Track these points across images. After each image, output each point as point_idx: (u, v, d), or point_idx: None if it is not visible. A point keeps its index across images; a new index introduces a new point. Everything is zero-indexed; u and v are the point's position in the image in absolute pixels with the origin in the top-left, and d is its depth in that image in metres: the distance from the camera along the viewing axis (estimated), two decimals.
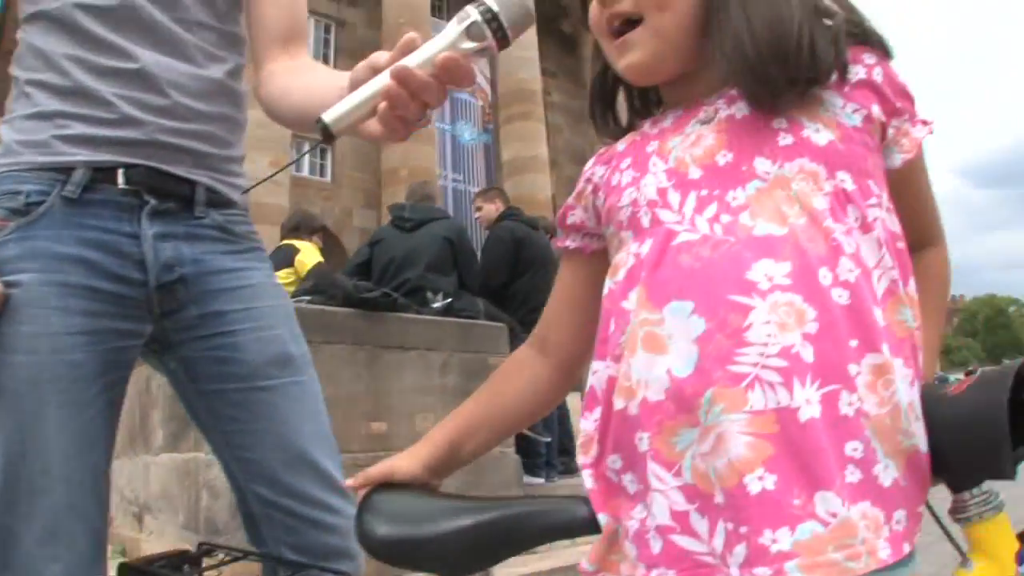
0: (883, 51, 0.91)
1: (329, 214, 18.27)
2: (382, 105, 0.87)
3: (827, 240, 0.81)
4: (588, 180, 1.03)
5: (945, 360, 65.11)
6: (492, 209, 5.61)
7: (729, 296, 0.79)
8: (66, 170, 1.22)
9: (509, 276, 5.16)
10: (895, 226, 0.87)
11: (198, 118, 1.32)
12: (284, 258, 5.50)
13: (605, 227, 0.99)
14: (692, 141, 0.91)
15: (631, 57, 0.94)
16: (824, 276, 0.79)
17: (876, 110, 0.88)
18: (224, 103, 1.38)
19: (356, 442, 3.86)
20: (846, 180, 0.84)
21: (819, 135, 0.86)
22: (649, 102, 1.06)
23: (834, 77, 0.87)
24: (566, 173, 25.72)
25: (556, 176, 24.10)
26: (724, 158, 0.88)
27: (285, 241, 5.77)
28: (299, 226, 5.83)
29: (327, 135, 0.90)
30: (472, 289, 4.92)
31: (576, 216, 1.05)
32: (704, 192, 0.87)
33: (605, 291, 0.93)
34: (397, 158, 16.91)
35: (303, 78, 1.30)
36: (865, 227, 0.84)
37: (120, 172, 1.24)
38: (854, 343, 0.78)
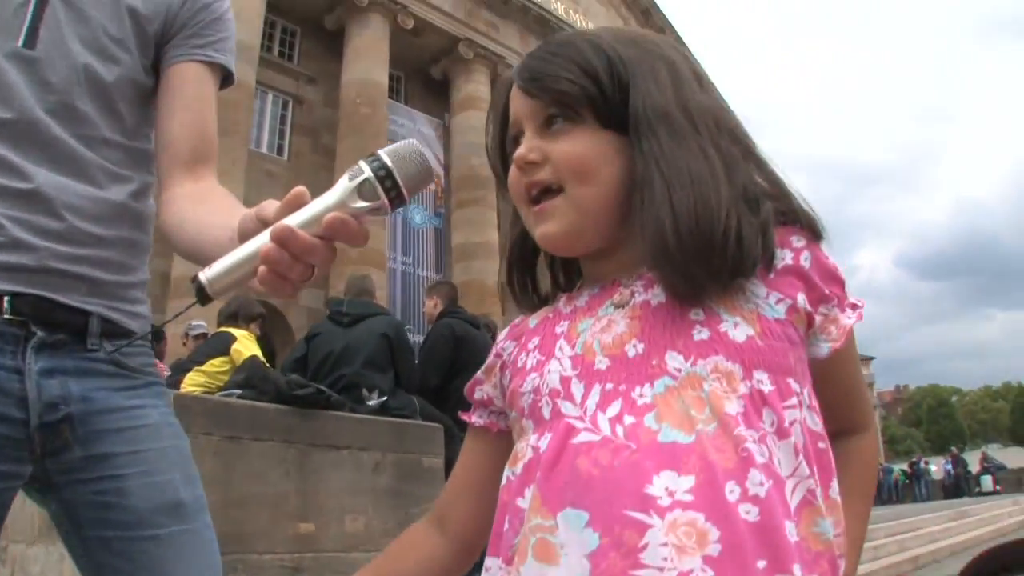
0: (813, 232, 0.88)
1: None
2: (262, 269, 0.82)
3: (737, 450, 0.75)
4: (498, 355, 0.99)
5: (890, 450, 65.62)
6: (430, 305, 5.56)
7: (626, 511, 0.74)
8: None
9: (448, 375, 5.03)
10: (816, 425, 0.82)
11: (96, 243, 1.25)
12: (220, 346, 5.40)
13: (509, 410, 0.95)
14: (603, 326, 0.87)
15: (548, 227, 0.90)
16: (731, 491, 0.73)
17: (801, 299, 0.84)
18: (126, 226, 1.31)
19: (282, 543, 3.73)
20: (763, 381, 0.79)
21: (737, 330, 0.81)
22: (572, 272, 1.01)
23: (760, 265, 0.83)
24: None
25: (505, 262, 24.35)
26: (634, 349, 0.83)
27: (222, 328, 5.68)
28: (236, 313, 5.73)
29: (203, 296, 0.84)
30: (409, 387, 4.84)
31: (484, 392, 1.00)
32: (610, 386, 0.82)
33: (503, 480, 0.88)
34: None
35: (199, 210, 1.24)
36: (781, 432, 0.78)
37: (5, 300, 1.17)
38: (762, 564, 0.71)
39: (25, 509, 3.53)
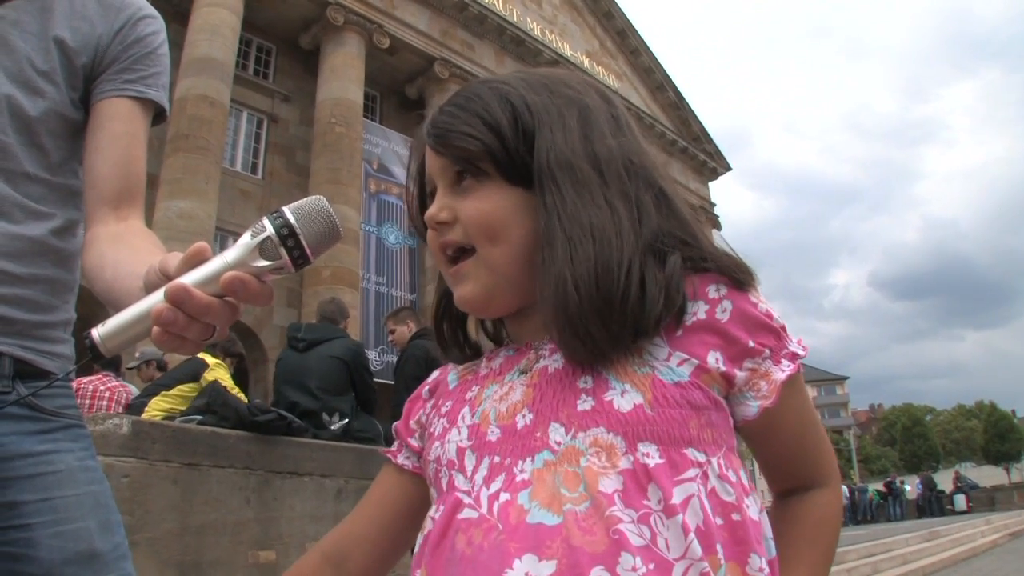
0: (735, 280, 0.81)
1: (249, 311, 17.96)
2: (155, 330, 0.79)
3: (608, 532, 0.70)
4: (418, 416, 0.96)
5: (864, 469, 65.86)
6: (405, 331, 5.49)
7: None
8: None
9: None
10: (730, 494, 0.75)
11: (10, 282, 1.21)
12: (190, 371, 5.33)
13: (424, 472, 0.91)
14: (503, 394, 0.84)
15: (463, 289, 0.87)
16: None
17: (713, 358, 0.78)
18: (45, 264, 1.27)
19: (242, 571, 3.67)
20: (650, 454, 0.73)
21: (624, 398, 0.75)
22: (500, 326, 0.97)
23: (666, 322, 0.78)
24: None
25: (431, 318, 24.22)
26: (523, 419, 0.80)
27: (199, 353, 5.60)
28: (215, 343, 5.66)
29: (96, 353, 0.80)
30: (370, 409, 4.80)
31: (416, 439, 0.96)
32: (497, 459, 0.79)
33: (415, 550, 0.84)
34: (321, 258, 16.78)
35: (118, 253, 1.19)
36: (669, 510, 0.71)
37: None
38: None
39: None
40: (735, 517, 0.74)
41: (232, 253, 0.80)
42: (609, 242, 0.78)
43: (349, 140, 19.46)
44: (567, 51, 28.19)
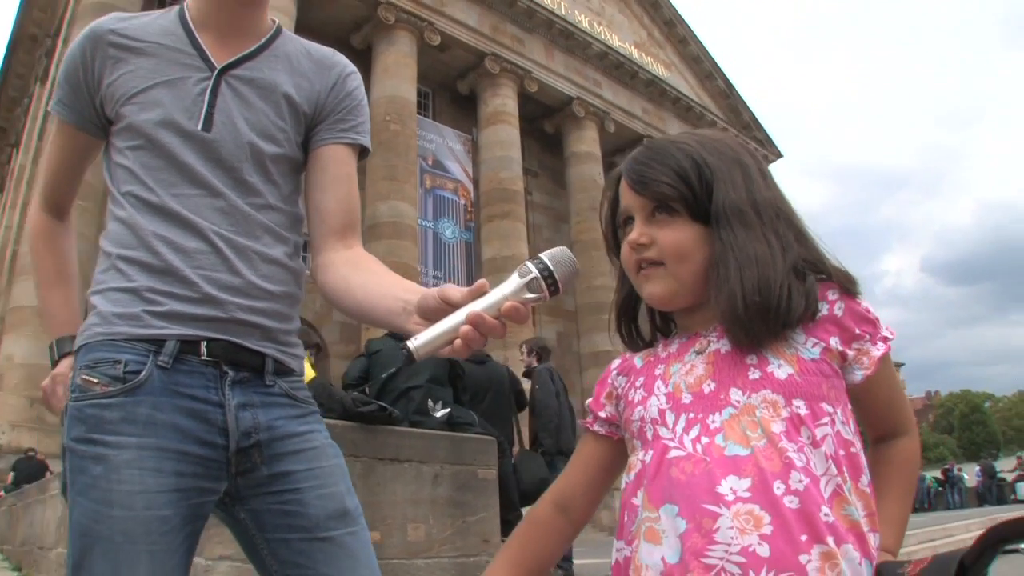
0: (844, 287, 1.13)
1: (310, 307, 18.41)
2: (457, 341, 1.10)
3: (781, 458, 1.02)
4: (613, 387, 1.27)
5: (923, 458, 64.74)
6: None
7: (703, 504, 1.02)
8: (158, 342, 1.38)
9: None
10: (849, 434, 1.07)
11: (267, 297, 1.48)
12: None
13: (623, 430, 1.23)
14: (687, 369, 1.15)
15: (652, 288, 1.18)
16: (778, 487, 1.00)
17: (834, 342, 1.10)
18: (288, 281, 1.54)
19: None
20: (800, 406, 1.05)
21: (780, 370, 1.08)
22: (668, 321, 1.29)
23: (804, 320, 1.10)
24: None
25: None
26: (708, 387, 1.11)
27: None
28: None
29: (410, 359, 1.12)
30: (463, 401, 5.10)
31: (607, 411, 1.27)
32: (692, 415, 1.10)
33: (622, 484, 1.17)
34: (379, 253, 17.08)
35: (362, 277, 1.46)
36: (815, 443, 1.04)
37: (203, 344, 1.41)
38: (804, 537, 0.98)
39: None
40: (853, 450, 1.07)
41: (507, 287, 1.10)
42: (767, 267, 1.10)
43: (404, 137, 19.83)
44: (616, 42, 28.37)
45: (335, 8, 20.99)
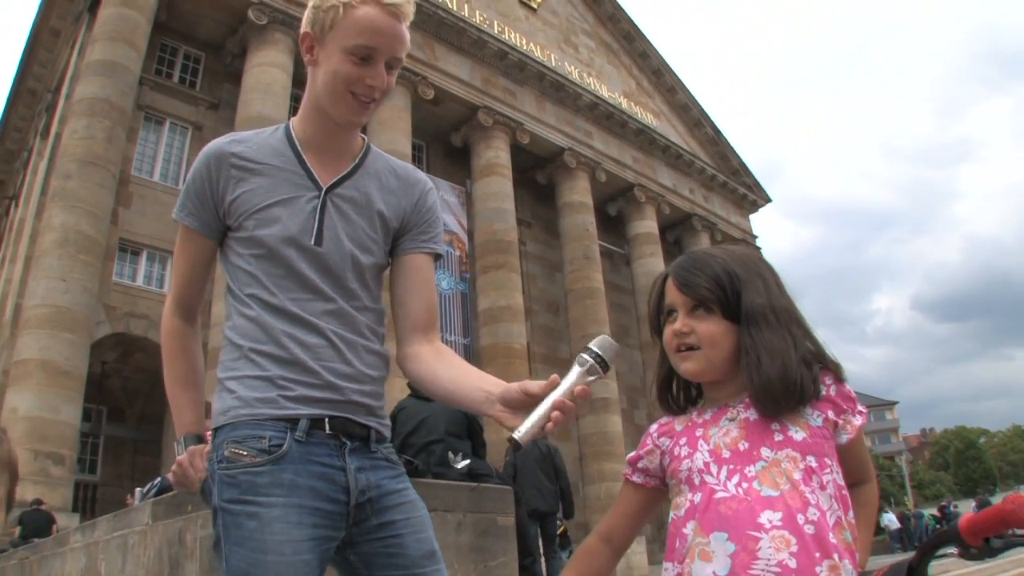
0: (836, 374, 1.49)
1: None
2: (549, 425, 1.43)
3: (801, 498, 1.35)
4: (656, 445, 1.58)
5: (919, 495, 64.64)
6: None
7: (748, 531, 1.35)
8: (292, 420, 1.68)
9: None
10: (840, 480, 1.41)
11: (370, 381, 1.80)
12: None
13: (669, 478, 1.54)
14: (724, 432, 1.48)
15: (688, 365, 1.52)
16: (800, 519, 1.33)
17: (831, 414, 1.45)
18: (382, 367, 1.85)
19: None
20: (812, 460, 1.40)
21: (797, 434, 1.42)
22: (699, 391, 1.62)
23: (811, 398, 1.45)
24: (540, 321, 26.35)
25: (531, 324, 24.69)
26: (743, 446, 1.44)
27: None
28: None
29: (517, 446, 1.46)
30: (481, 453, 5.40)
31: (645, 464, 1.59)
32: (732, 466, 1.43)
33: (670, 519, 1.49)
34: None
35: (450, 372, 1.78)
36: (822, 487, 1.38)
37: (327, 421, 1.72)
38: (818, 554, 1.31)
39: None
40: (843, 492, 1.41)
41: (572, 377, 1.45)
42: (786, 359, 1.44)
43: None
44: (605, 92, 28.97)
45: None
